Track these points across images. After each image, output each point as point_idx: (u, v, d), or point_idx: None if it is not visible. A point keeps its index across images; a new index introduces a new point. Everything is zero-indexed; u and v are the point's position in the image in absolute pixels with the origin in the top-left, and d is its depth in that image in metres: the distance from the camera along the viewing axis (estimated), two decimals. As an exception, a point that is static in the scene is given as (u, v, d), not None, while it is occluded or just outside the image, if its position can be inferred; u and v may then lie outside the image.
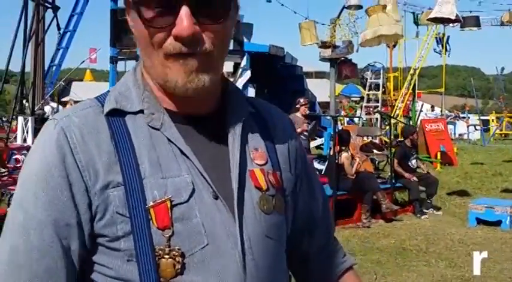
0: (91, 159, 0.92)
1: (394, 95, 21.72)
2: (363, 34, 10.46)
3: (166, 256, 0.90)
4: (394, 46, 22.16)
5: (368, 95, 20.38)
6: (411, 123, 18.93)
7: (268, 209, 1.00)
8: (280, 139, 1.11)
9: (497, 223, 7.76)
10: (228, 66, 12.20)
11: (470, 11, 19.48)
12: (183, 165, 0.95)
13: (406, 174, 8.88)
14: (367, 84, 20.15)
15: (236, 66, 11.24)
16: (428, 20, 11.18)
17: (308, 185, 1.17)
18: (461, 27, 19.01)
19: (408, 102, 21.97)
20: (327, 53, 12.54)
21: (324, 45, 12.72)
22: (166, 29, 0.90)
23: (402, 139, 10.59)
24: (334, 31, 12.96)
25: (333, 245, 1.24)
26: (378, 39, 10.33)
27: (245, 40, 11.44)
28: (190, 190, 0.94)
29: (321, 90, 20.15)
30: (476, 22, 19.62)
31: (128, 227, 0.91)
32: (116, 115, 0.97)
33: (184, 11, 0.88)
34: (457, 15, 9.94)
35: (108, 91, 1.04)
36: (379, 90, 19.94)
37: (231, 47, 11.62)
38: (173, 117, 0.99)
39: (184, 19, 0.88)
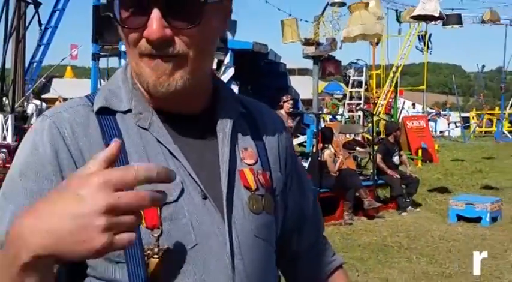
0: (83, 154, 0.93)
1: (376, 92, 21.85)
2: (345, 31, 10.51)
3: (156, 256, 0.89)
4: (377, 43, 22.26)
5: (351, 92, 20.48)
6: (393, 120, 19.06)
7: (257, 209, 1.00)
8: (270, 138, 1.11)
9: (477, 219, 7.86)
10: None
11: (452, 9, 19.66)
12: (172, 165, 0.94)
13: (389, 171, 8.95)
14: (350, 81, 20.24)
15: (220, 63, 11.21)
16: (412, 17, 11.27)
17: (298, 184, 1.17)
18: (443, 24, 19.17)
19: (390, 100, 22.12)
20: (311, 50, 12.56)
21: (307, 42, 12.74)
22: (139, 30, 0.90)
23: (384, 136, 10.66)
24: (318, 28, 12.99)
25: (322, 244, 1.24)
26: (360, 37, 10.39)
27: (229, 37, 11.41)
28: (180, 190, 0.93)
29: (303, 87, 20.18)
30: (458, 20, 19.80)
31: None
32: (106, 113, 0.97)
33: (155, 13, 0.88)
34: (440, 13, 10.04)
35: (98, 89, 1.04)
36: (361, 87, 20.05)
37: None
38: (162, 117, 0.98)
39: (153, 22, 0.88)
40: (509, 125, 28.75)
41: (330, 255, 1.24)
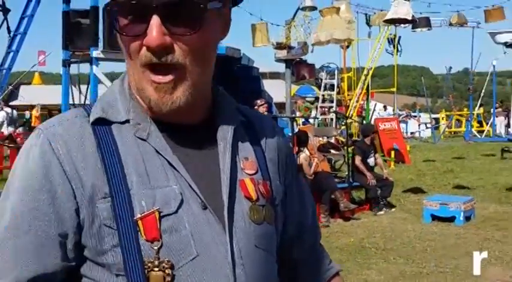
0: (77, 170, 0.91)
1: (348, 95, 22.04)
2: (316, 35, 10.61)
3: (156, 269, 0.89)
4: (348, 47, 22.47)
5: (323, 95, 20.60)
6: (364, 122, 19.25)
7: (258, 220, 1.00)
8: (270, 148, 1.11)
9: (451, 219, 7.99)
10: None
11: (421, 13, 19.99)
12: (171, 176, 0.94)
13: (368, 174, 9.01)
14: (322, 84, 20.37)
15: None
16: (385, 21, 11.44)
17: (298, 193, 1.17)
18: (412, 28, 19.49)
19: (362, 102, 22.35)
20: (282, 54, 12.66)
21: (279, 46, 12.83)
22: (139, 38, 0.89)
23: (359, 138, 10.74)
24: (289, 32, 13.08)
25: (320, 252, 1.25)
26: (332, 41, 10.50)
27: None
28: (179, 201, 0.93)
29: (275, 90, 20.23)
30: (427, 23, 20.18)
31: (115, 239, 0.89)
32: (102, 124, 0.96)
33: (155, 20, 0.87)
34: (412, 16, 10.22)
35: (95, 100, 1.04)
36: (333, 90, 20.20)
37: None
38: (161, 127, 0.97)
39: (153, 29, 0.87)
40: (478, 125, 29.32)
41: (327, 263, 1.25)
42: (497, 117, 28.46)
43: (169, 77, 0.91)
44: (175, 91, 0.92)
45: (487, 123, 29.37)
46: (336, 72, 20.45)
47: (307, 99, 24.62)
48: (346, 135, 10.98)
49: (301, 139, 8.81)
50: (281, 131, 1.20)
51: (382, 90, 30.02)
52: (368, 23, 22.36)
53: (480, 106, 30.49)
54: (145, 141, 0.96)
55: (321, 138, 12.70)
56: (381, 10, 19.11)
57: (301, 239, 1.18)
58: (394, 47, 23.67)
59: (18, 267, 0.89)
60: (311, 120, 18.07)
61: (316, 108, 20.85)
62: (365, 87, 21.51)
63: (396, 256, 6.31)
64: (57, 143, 0.92)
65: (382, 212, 8.81)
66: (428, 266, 5.92)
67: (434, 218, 8.16)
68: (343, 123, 16.21)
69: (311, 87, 26.58)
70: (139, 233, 0.89)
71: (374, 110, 24.29)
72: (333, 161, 12.21)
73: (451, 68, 39.25)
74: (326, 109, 20.32)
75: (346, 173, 9.45)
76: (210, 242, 0.93)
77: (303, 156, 8.60)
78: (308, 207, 1.20)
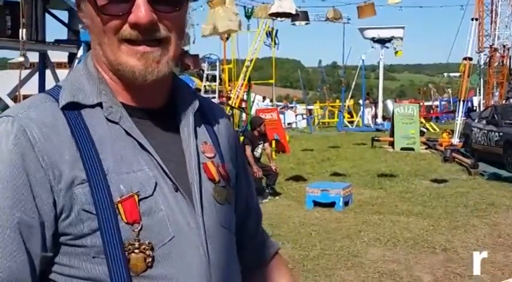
0: (54, 157, 0.90)
1: (229, 86, 22.34)
2: (204, 27, 10.66)
3: (137, 250, 0.90)
4: (227, 38, 22.76)
5: (205, 86, 20.71)
6: (245, 113, 19.63)
7: (221, 200, 1.05)
8: (222, 132, 1.15)
9: (332, 204, 8.46)
10: (63, 57, 11.55)
11: (299, 7, 20.76)
12: (143, 159, 0.96)
13: (255, 167, 9.22)
14: (204, 75, 20.47)
15: (72, 56, 10.71)
16: (270, 15, 11.74)
17: (245, 175, 1.23)
18: (292, 21, 20.18)
19: (243, 93, 22.79)
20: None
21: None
22: (122, 17, 0.91)
23: (239, 129, 10.91)
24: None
25: (263, 231, 1.32)
26: (222, 32, 10.61)
27: (81, 30, 10.93)
28: (154, 184, 0.95)
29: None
30: (305, 17, 21.01)
31: (94, 223, 0.90)
32: (72, 109, 0.95)
33: None
34: (296, 10, 10.61)
35: (57, 85, 1.01)
36: (215, 81, 20.37)
37: (65, 37, 11.10)
38: (128, 111, 0.99)
39: (141, 7, 0.90)
40: (349, 116, 31.10)
41: (269, 241, 1.32)
42: (365, 108, 30.39)
43: (155, 48, 0.94)
44: (160, 61, 0.95)
45: (356, 115, 31.26)
46: (217, 63, 20.61)
47: (187, 90, 24.59)
48: (232, 125, 11.16)
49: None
50: (226, 114, 1.25)
51: (260, 82, 30.76)
52: (247, 16, 22.79)
53: (351, 98, 32.36)
54: (116, 124, 0.96)
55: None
56: (263, 3, 19.55)
57: (249, 219, 1.25)
58: (272, 39, 24.37)
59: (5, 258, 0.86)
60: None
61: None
62: (246, 78, 21.96)
63: (284, 241, 6.55)
64: (33, 130, 0.91)
65: (267, 200, 9.11)
66: (315, 249, 6.25)
67: (316, 204, 8.59)
68: (230, 114, 16.41)
69: (190, 78, 26.59)
70: (119, 216, 0.91)
71: (253, 101, 24.87)
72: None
73: (320, 61, 41.36)
74: (208, 100, 20.44)
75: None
76: (183, 223, 0.96)
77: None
78: (253, 190, 1.27)
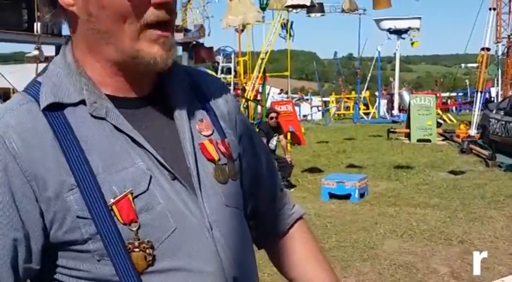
0: (37, 165, 0.87)
1: (244, 78, 22.30)
2: (228, 18, 10.62)
3: (137, 249, 0.88)
4: (242, 31, 22.71)
5: (220, 78, 20.71)
6: (260, 105, 19.60)
7: (223, 179, 1.00)
8: (219, 104, 1.10)
9: (347, 196, 8.42)
10: (50, 50, 11.50)
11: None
12: (135, 153, 0.92)
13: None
14: (219, 68, 20.46)
15: (59, 49, 10.73)
16: (287, 7, 11.68)
17: (250, 144, 1.16)
18: (307, 13, 20.04)
19: (258, 86, 22.75)
20: (179, 36, 12.58)
21: (175, 29, 12.68)
22: (145, 1, 0.90)
23: (254, 121, 10.91)
24: (186, 15, 12.97)
25: (281, 199, 1.23)
26: (244, 24, 10.57)
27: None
28: (148, 177, 0.91)
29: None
30: (321, 9, 20.85)
31: (92, 228, 0.87)
32: (54, 109, 0.91)
33: None
34: (311, 2, 10.55)
35: (36, 81, 0.95)
36: (230, 73, 20.36)
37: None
38: (115, 102, 0.94)
39: None
40: (364, 107, 30.92)
41: (290, 208, 1.24)
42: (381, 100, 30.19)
43: (170, 34, 0.94)
44: (174, 46, 0.95)
45: (372, 106, 31.07)
46: (232, 55, 20.60)
47: (203, 82, 24.62)
48: (248, 117, 11.16)
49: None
50: (224, 85, 1.20)
51: (275, 74, 30.69)
52: (262, 7, 22.71)
53: (367, 90, 32.17)
54: (103, 120, 0.92)
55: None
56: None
57: (260, 189, 1.17)
58: (287, 31, 24.25)
59: None
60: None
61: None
62: (261, 70, 21.91)
63: (299, 233, 6.55)
64: (12, 140, 0.87)
65: (283, 192, 9.09)
66: (330, 241, 6.23)
67: (332, 196, 8.56)
68: (245, 107, 16.41)
69: (207, 70, 26.61)
70: (115, 217, 0.88)
71: (268, 93, 24.85)
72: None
73: (336, 52, 41.05)
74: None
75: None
76: (185, 211, 0.93)
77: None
78: (262, 158, 1.19)
